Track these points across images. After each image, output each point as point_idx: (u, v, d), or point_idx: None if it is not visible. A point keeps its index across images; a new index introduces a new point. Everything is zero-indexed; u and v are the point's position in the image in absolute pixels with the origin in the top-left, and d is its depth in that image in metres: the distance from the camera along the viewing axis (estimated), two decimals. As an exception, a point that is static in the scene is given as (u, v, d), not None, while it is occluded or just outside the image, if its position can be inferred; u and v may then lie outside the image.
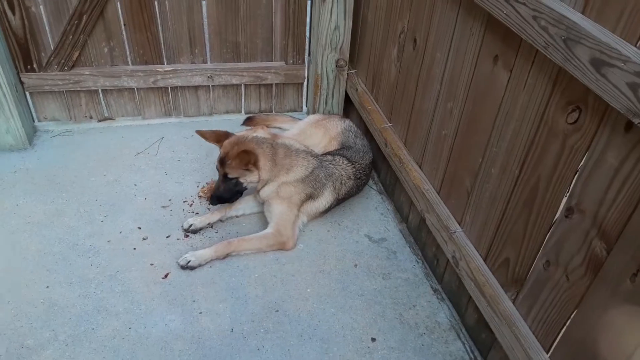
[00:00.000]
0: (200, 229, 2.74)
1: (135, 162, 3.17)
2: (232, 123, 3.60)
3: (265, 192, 2.70)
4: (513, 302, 1.95)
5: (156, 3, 3.08)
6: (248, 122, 3.54)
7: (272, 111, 3.72)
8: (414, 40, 2.54)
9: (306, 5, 3.29)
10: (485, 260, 2.12)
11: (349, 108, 3.59)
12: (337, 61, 3.31)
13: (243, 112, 3.68)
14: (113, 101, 3.40)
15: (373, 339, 2.28)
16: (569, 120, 1.59)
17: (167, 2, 3.09)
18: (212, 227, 2.77)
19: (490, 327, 2.04)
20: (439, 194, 2.46)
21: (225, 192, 2.68)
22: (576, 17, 1.48)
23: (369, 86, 3.20)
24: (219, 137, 2.70)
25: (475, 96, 2.08)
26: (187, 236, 2.70)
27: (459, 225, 2.29)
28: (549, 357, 1.77)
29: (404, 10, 2.60)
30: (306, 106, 3.77)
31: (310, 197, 2.73)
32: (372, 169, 3.10)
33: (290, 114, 3.72)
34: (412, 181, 2.59)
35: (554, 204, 1.70)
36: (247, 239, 2.63)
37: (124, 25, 3.11)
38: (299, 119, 3.57)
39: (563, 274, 1.68)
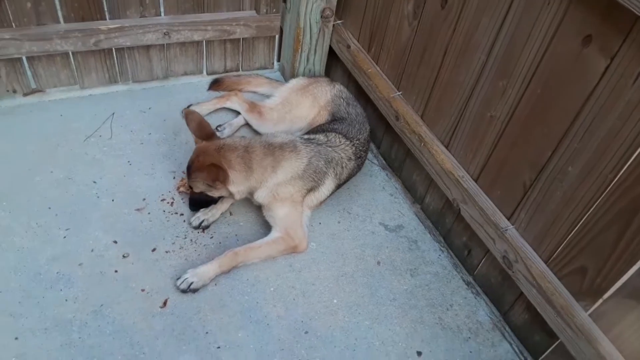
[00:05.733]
0: (213, 222, 2.35)
1: (87, 151, 2.54)
2: (193, 87, 3.02)
3: (259, 197, 2.27)
4: (589, 315, 1.77)
5: (94, -60, 2.34)
6: (215, 86, 2.97)
7: (239, 69, 3.15)
8: (443, -3, 2.11)
9: (284, -59, 2.69)
10: (547, 264, 1.90)
11: (331, 65, 3.11)
12: (322, 11, 2.78)
13: (205, 72, 3.08)
14: (42, 69, 2.66)
15: (419, 353, 2.05)
16: None
17: (108, -61, 2.36)
18: (231, 213, 2.41)
19: (557, 335, 1.86)
20: (476, 182, 2.17)
21: (200, 200, 2.27)
22: None
23: (364, 44, 2.74)
24: (202, 133, 2.23)
25: (547, 79, 1.74)
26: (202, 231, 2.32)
27: (508, 221, 2.03)
28: (642, 377, 1.63)
29: (428, -42, 2.14)
30: (278, 62, 3.23)
31: (311, 189, 2.33)
32: (369, 142, 2.71)
33: (260, 71, 3.18)
34: (440, 165, 2.27)
35: (669, 220, 1.47)
36: (254, 247, 2.21)
37: (51, -29, 2.36)
38: (276, 80, 3.06)
39: (673, 297, 1.49)
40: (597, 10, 1.52)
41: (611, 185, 1.60)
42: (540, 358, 2.03)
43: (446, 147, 2.30)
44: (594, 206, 1.67)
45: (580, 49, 1.60)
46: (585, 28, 1.57)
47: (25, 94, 2.70)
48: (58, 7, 2.48)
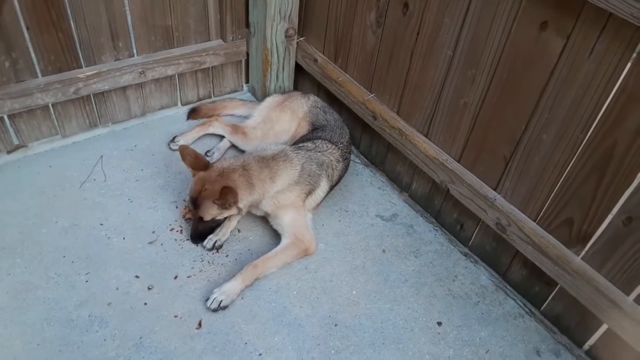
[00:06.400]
0: (225, 241, 2.47)
1: (85, 196, 2.59)
2: (171, 120, 3.12)
3: (264, 206, 2.43)
4: (582, 259, 2.04)
5: (65, -6, 2.42)
6: (194, 114, 3.08)
7: (211, 96, 3.28)
8: (404, 5, 2.35)
9: (243, -29, 2.86)
10: (536, 222, 2.16)
11: (299, 79, 3.30)
12: (286, 31, 2.97)
13: (179, 103, 3.19)
14: (23, 125, 2.68)
15: (439, 323, 2.26)
16: (662, 87, 1.60)
17: (78, -9, 2.45)
18: (239, 230, 2.54)
19: (558, 282, 2.13)
20: (459, 162, 2.41)
21: (205, 230, 2.40)
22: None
23: (330, 55, 2.95)
24: (197, 165, 2.34)
25: (512, 64, 2.01)
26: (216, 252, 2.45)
27: (495, 191, 2.29)
28: (634, 300, 1.91)
29: (384, -28, 2.37)
30: (247, 84, 3.39)
31: (309, 193, 2.51)
32: (351, 144, 2.93)
33: (232, 95, 3.33)
34: (424, 153, 2.50)
35: (637, 163, 1.75)
36: (270, 257, 2.36)
37: (27, 29, 2.40)
38: (250, 101, 3.22)
39: (649, 228, 1.78)
40: (548, 1, 1.80)
41: (583, 144, 1.88)
42: (543, 305, 2.30)
43: (426, 136, 2.53)
44: (571, 164, 1.94)
45: (538, 33, 1.87)
46: (540, 15, 1.85)
47: (9, 152, 2.71)
48: (35, 62, 2.53)
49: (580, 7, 1.71)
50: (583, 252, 2.03)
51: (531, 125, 2.03)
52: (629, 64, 1.68)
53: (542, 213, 2.13)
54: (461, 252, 2.57)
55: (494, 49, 2.05)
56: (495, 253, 2.45)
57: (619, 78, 1.70)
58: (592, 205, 1.93)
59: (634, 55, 1.66)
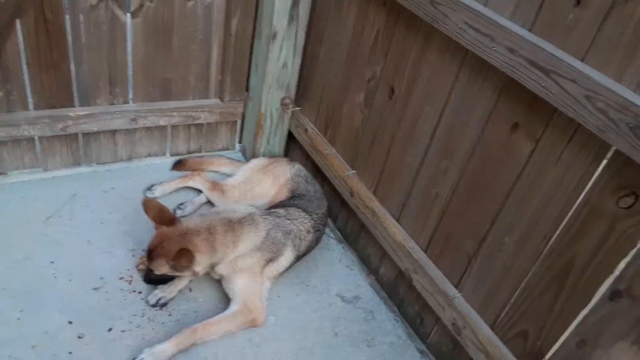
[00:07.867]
0: (171, 299, 2.36)
1: (46, 231, 2.55)
2: (156, 168, 3.12)
3: (220, 269, 2.34)
4: (534, 377, 1.87)
5: (70, 38, 2.51)
6: (178, 166, 3.08)
7: (201, 151, 3.29)
8: (390, 89, 2.36)
9: (248, 39, 2.93)
10: (492, 329, 2.02)
11: (290, 146, 3.31)
12: (282, 99, 3.01)
13: (168, 153, 3.20)
14: (6, 153, 2.70)
15: None
16: (622, 204, 1.51)
17: (83, 37, 2.53)
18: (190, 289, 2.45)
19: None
20: (425, 252, 2.31)
21: (157, 278, 2.32)
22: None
23: (321, 128, 2.95)
24: (162, 220, 2.27)
25: (482, 160, 1.95)
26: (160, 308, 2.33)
27: (456, 289, 2.16)
28: None
29: (377, 57, 2.39)
30: (239, 144, 3.40)
31: (270, 260, 2.42)
32: (327, 217, 2.86)
33: (222, 152, 3.33)
34: (392, 237, 2.41)
35: (594, 284, 1.63)
36: (213, 323, 2.24)
37: (27, 64, 2.48)
38: (237, 161, 3.22)
39: (605, 355, 1.62)
40: (522, 102, 1.76)
41: (543, 253, 1.77)
42: None
43: (397, 220, 2.45)
44: (530, 273, 1.83)
45: (509, 134, 1.83)
46: (512, 117, 1.80)
47: (-14, 177, 2.73)
48: (29, 95, 2.58)
49: (551, 114, 1.67)
50: (536, 371, 1.86)
51: (495, 226, 1.94)
52: (594, 177, 1.61)
53: (499, 320, 1.98)
54: (418, 349, 2.40)
55: (467, 144, 2.00)
56: (452, 355, 2.27)
57: (583, 190, 1.63)
58: (548, 321, 1.78)
59: (599, 168, 1.59)
